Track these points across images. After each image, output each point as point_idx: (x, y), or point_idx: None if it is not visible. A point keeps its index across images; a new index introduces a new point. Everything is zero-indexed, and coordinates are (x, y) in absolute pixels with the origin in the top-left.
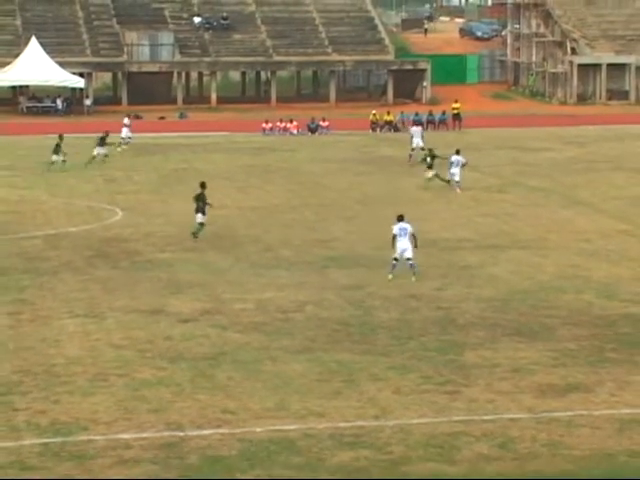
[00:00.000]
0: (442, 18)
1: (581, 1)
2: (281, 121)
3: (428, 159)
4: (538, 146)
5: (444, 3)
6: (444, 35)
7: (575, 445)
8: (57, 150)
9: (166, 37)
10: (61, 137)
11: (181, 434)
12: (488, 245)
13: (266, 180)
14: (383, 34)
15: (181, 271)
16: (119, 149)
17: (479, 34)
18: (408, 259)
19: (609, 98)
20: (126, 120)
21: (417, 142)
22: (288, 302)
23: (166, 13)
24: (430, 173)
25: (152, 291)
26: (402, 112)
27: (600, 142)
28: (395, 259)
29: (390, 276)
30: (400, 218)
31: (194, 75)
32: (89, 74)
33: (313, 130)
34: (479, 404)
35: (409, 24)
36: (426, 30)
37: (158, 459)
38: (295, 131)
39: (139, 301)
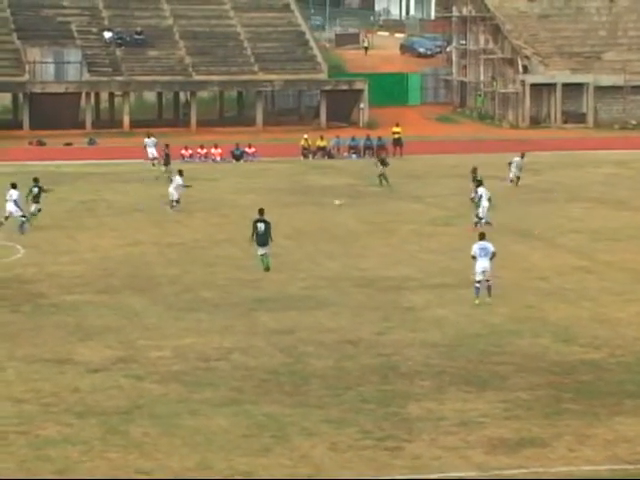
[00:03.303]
0: (381, 33)
1: (533, 15)
2: (202, 147)
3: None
4: (487, 174)
5: (382, 16)
6: (383, 52)
7: None
8: None
9: (73, 54)
10: None
11: None
12: (434, 284)
13: (186, 213)
14: (315, 51)
15: (90, 315)
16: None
17: (421, 51)
18: (487, 280)
19: (565, 121)
20: (148, 140)
21: (515, 172)
22: (211, 349)
23: (73, 27)
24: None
25: (58, 338)
26: (337, 137)
27: (556, 169)
28: (478, 282)
29: (477, 301)
30: (481, 236)
31: (104, 96)
32: None
33: (238, 157)
34: (423, 461)
35: (344, 40)
36: (366, 48)
37: None
38: (218, 158)
39: (43, 349)
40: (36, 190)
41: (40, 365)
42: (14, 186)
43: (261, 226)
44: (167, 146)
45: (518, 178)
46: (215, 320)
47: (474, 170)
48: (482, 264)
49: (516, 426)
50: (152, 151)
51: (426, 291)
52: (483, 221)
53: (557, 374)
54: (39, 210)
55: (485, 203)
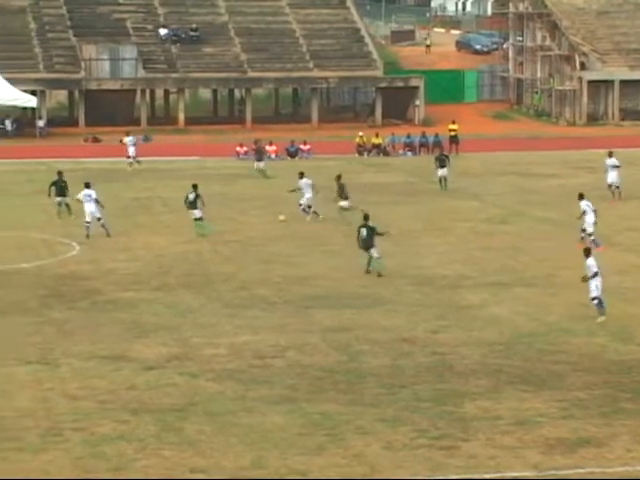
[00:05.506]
0: (437, 29)
1: (592, 11)
2: (271, 143)
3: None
4: (544, 172)
5: (439, 13)
6: (439, 48)
7: None
8: (62, 190)
9: (128, 51)
10: (60, 174)
11: None
12: (490, 282)
13: (240, 210)
14: (370, 47)
15: (146, 312)
16: (130, 169)
17: (478, 47)
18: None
19: (622, 118)
20: (127, 138)
21: (612, 177)
22: (266, 346)
23: (128, 24)
24: (343, 203)
25: (113, 335)
26: (392, 134)
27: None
28: (598, 298)
29: (602, 318)
30: (588, 252)
31: (160, 93)
32: (42, 92)
33: (293, 154)
34: (479, 461)
35: (399, 36)
36: (428, 46)
37: None
38: (273, 155)
39: (99, 346)
40: (192, 197)
41: (96, 362)
42: (88, 185)
43: (363, 231)
44: (257, 141)
45: (617, 187)
46: (270, 318)
47: (338, 177)
48: (601, 280)
49: (573, 426)
50: (132, 150)
51: (482, 289)
52: (592, 237)
53: (614, 373)
54: (200, 219)
55: (591, 217)
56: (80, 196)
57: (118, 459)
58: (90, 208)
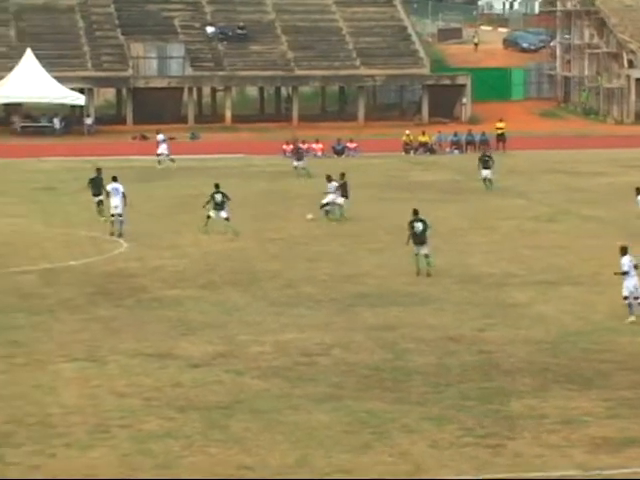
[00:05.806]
0: (484, 27)
1: (639, 8)
2: (303, 142)
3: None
4: (592, 170)
5: (485, 11)
6: (486, 46)
7: None
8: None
9: (176, 49)
10: (99, 171)
11: None
12: (537, 281)
13: (287, 208)
14: (417, 45)
15: (192, 310)
16: (174, 165)
17: (525, 45)
18: (637, 298)
19: None
20: (158, 136)
21: None
22: (312, 344)
23: (176, 22)
24: (339, 200)
25: (160, 332)
26: (439, 132)
27: None
28: (636, 298)
29: (632, 318)
30: (625, 250)
31: (207, 91)
32: (90, 90)
33: (339, 152)
34: (525, 459)
35: (446, 34)
36: (476, 44)
37: None
38: (319, 153)
39: (145, 343)
40: (219, 198)
41: (142, 359)
42: (115, 179)
43: (419, 225)
44: (294, 141)
45: None
46: (316, 315)
47: (342, 175)
48: (634, 282)
49: (619, 425)
50: (163, 147)
51: (529, 288)
52: None
53: None
54: (227, 219)
55: None
56: (109, 187)
57: (165, 456)
58: (115, 202)
